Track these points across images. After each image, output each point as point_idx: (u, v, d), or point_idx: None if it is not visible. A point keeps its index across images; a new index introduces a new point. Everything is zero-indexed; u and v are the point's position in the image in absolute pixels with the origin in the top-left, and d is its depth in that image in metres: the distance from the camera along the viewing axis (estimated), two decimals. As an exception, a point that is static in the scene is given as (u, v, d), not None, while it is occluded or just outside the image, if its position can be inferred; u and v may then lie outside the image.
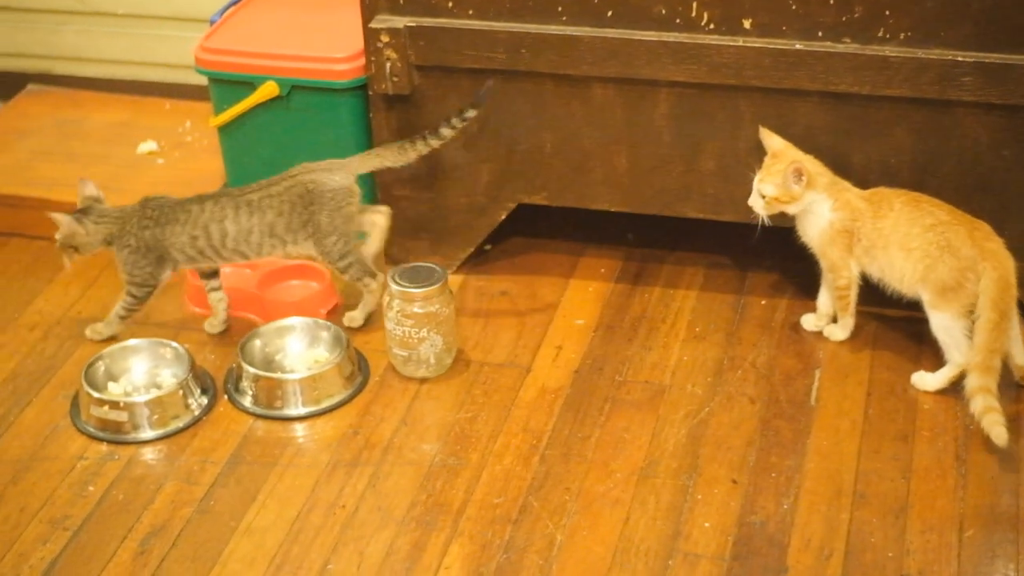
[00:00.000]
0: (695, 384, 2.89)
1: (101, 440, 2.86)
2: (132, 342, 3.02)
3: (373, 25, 2.99)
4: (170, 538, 2.61)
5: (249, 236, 3.00)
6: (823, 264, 2.95)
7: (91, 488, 2.74)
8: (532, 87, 3.00)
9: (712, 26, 2.87)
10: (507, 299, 3.16)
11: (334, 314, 3.13)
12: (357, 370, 2.96)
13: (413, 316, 2.87)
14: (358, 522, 2.61)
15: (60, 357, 3.09)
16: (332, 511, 2.64)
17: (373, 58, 3.02)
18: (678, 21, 2.88)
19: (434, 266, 2.91)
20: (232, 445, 2.82)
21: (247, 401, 2.91)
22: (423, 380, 2.95)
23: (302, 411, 2.88)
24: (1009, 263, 2.78)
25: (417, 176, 3.15)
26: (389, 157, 3.03)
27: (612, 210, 3.10)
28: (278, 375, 2.91)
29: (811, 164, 2.88)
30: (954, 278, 2.78)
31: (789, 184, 2.85)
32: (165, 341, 3.01)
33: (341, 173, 3.01)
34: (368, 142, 3.21)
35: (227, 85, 3.28)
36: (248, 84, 3.25)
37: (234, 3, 3.44)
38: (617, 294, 3.15)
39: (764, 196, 2.88)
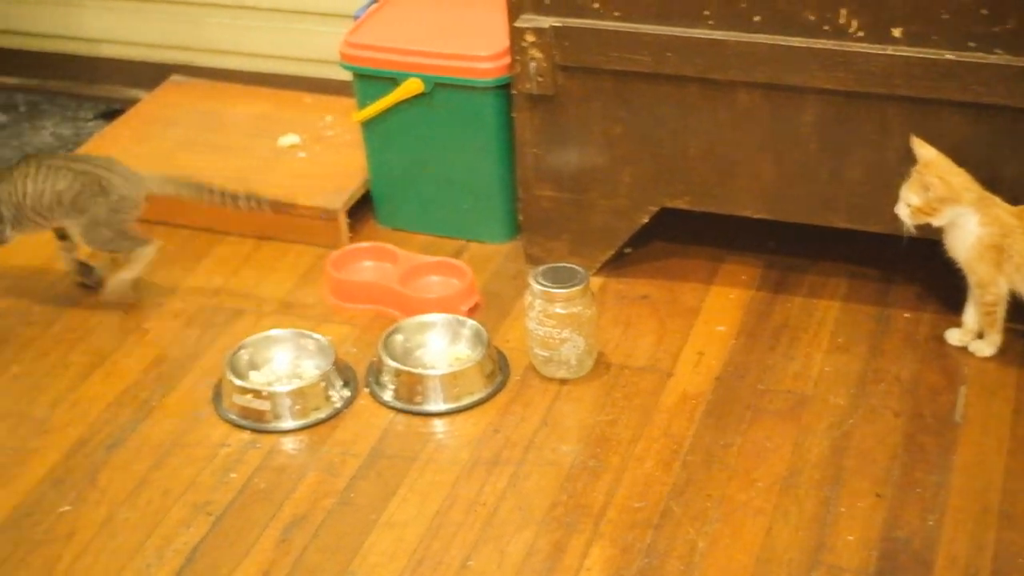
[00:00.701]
0: (837, 395, 2.87)
1: (243, 428, 2.89)
2: (275, 332, 3.06)
3: (519, 24, 3.00)
4: (312, 528, 2.64)
5: (41, 198, 3.11)
6: (971, 280, 2.92)
7: (233, 475, 2.77)
8: (677, 91, 2.99)
9: (861, 34, 2.85)
10: (648, 303, 3.16)
11: (475, 312, 3.15)
12: (498, 369, 2.97)
13: (555, 317, 2.88)
14: (499, 520, 2.63)
15: (203, 344, 3.13)
16: (473, 508, 2.66)
17: (518, 57, 3.03)
18: (827, 28, 2.86)
19: (576, 267, 2.91)
20: (373, 438, 2.84)
21: (388, 395, 2.93)
22: (563, 381, 2.95)
23: (442, 407, 2.90)
24: None
25: (560, 176, 3.15)
26: (187, 191, 3.16)
27: (755, 217, 3.09)
28: (419, 370, 2.92)
29: (959, 178, 2.85)
30: None
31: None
32: (308, 332, 3.04)
33: (135, 185, 3.13)
34: (510, 141, 3.22)
35: (371, 80, 3.31)
36: (392, 80, 3.28)
37: (377, -1, 3.48)
38: (758, 302, 3.13)
39: (909, 205, 2.86)
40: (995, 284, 2.87)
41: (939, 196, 2.82)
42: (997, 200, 2.86)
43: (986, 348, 2.95)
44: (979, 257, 2.87)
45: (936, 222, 2.87)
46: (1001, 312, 2.90)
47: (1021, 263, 2.83)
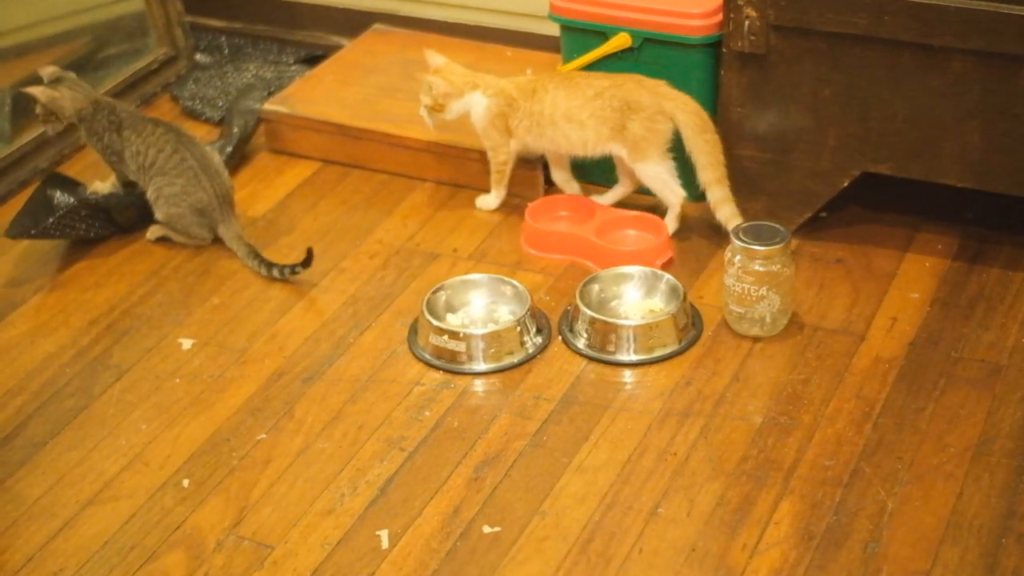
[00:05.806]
0: (1033, 368, 2.85)
1: (436, 368, 2.94)
2: (473, 276, 3.10)
3: (736, -17, 3.00)
4: (503, 468, 2.68)
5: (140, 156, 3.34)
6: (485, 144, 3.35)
7: (427, 413, 2.82)
8: (890, 55, 2.96)
9: (1084, 4, 2.80)
10: (842, 267, 3.14)
11: (668, 267, 3.16)
12: (691, 323, 2.98)
13: (753, 273, 2.88)
14: (689, 470, 2.65)
15: (399, 286, 3.18)
16: (663, 457, 2.68)
17: (732, 15, 3.03)
18: (1049, -3, 2.82)
19: (778, 226, 2.91)
20: (565, 385, 2.88)
21: (581, 343, 2.96)
22: (756, 339, 2.95)
23: (633, 358, 2.92)
24: (687, 96, 3.15)
25: (763, 136, 3.14)
26: (238, 246, 3.31)
27: (959, 186, 3.05)
28: (615, 320, 2.95)
29: (459, 76, 3.32)
30: (644, 127, 3.13)
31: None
32: (506, 279, 3.08)
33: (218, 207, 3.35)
34: (714, 99, 3.22)
35: (579, 34, 3.33)
36: (600, 34, 3.29)
37: (591, -46, 3.49)
38: (954, 271, 3.10)
39: (425, 107, 3.31)
40: (504, 147, 3.30)
41: (443, 92, 3.26)
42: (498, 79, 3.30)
43: (492, 201, 3.41)
44: (490, 125, 3.27)
45: (449, 116, 3.30)
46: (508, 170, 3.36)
47: (533, 125, 3.23)
